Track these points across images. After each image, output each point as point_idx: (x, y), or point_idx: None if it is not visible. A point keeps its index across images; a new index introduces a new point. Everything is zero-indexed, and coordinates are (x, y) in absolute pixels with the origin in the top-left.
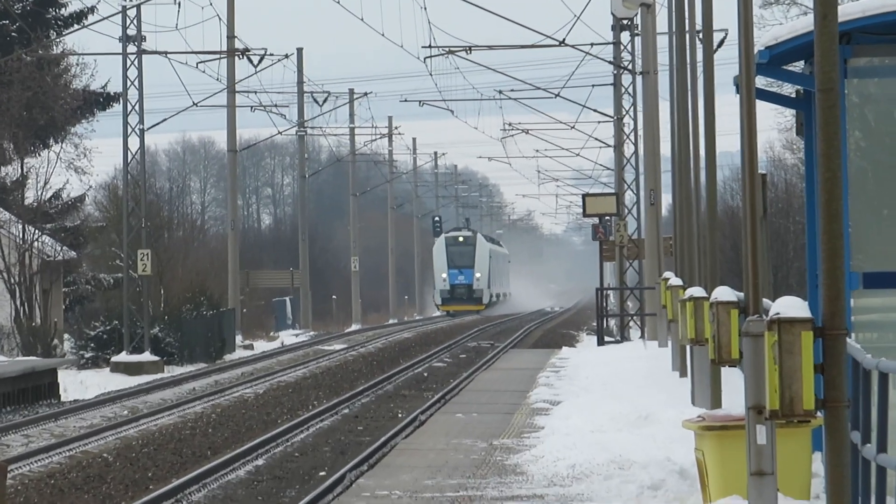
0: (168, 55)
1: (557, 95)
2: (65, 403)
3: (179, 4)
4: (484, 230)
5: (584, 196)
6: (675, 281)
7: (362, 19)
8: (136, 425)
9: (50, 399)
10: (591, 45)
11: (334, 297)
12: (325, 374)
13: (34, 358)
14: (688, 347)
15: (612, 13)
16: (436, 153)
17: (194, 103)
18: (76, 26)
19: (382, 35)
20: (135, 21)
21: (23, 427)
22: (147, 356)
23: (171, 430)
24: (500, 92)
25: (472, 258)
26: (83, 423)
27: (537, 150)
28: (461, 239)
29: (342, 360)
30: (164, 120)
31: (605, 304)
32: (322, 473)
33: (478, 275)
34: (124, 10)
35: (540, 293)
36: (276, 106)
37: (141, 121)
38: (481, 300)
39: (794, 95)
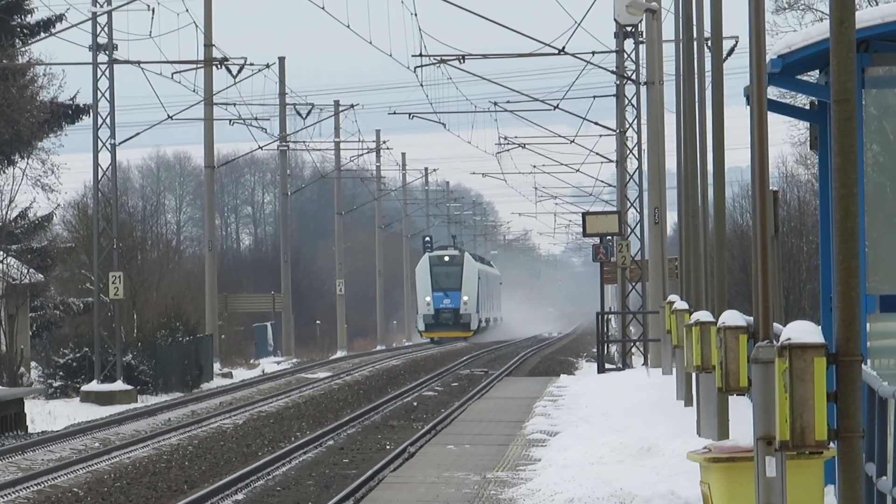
0: (141, 65)
1: (556, 107)
2: (32, 435)
3: (153, 11)
4: (478, 250)
5: (585, 214)
6: (681, 304)
7: (348, 26)
8: (108, 458)
9: (16, 430)
10: (593, 53)
11: (318, 322)
12: (308, 403)
13: (0, 387)
14: (693, 375)
15: (614, 20)
16: (426, 169)
17: (169, 116)
18: (43, 34)
19: (370, 43)
20: (106, 29)
21: None
22: (119, 385)
23: (145, 464)
24: (496, 104)
25: (458, 280)
26: (52, 455)
27: (535, 166)
28: (447, 259)
29: (327, 388)
30: (137, 134)
31: (606, 329)
32: None
33: (465, 298)
34: (94, 17)
35: (537, 317)
36: (256, 119)
37: (112, 135)
38: (469, 326)
39: (808, 107)
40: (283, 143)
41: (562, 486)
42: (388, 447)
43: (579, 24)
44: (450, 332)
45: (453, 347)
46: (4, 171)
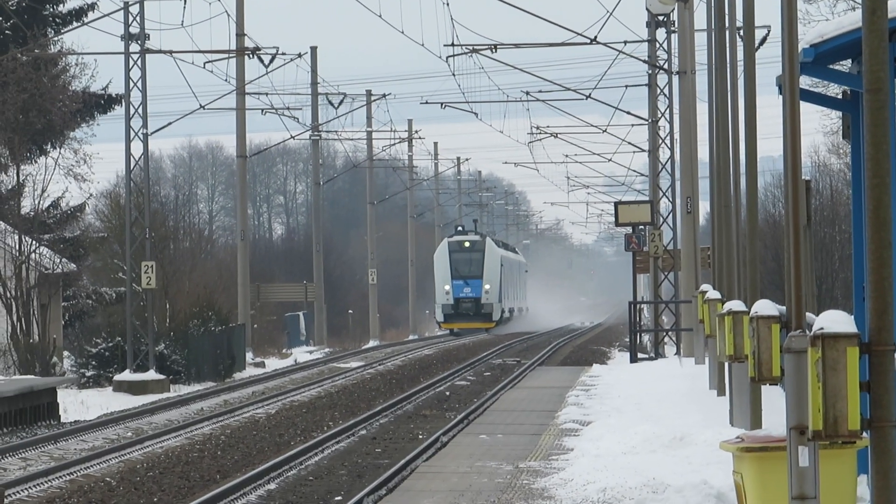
0: (173, 54)
1: (588, 97)
2: (65, 424)
3: (185, 1)
4: (510, 240)
5: (617, 204)
6: (713, 294)
7: (380, 16)
8: (140, 447)
9: (49, 420)
10: (625, 43)
11: (350, 311)
12: (340, 393)
13: (32, 377)
14: (726, 365)
15: (646, 9)
16: (458, 158)
17: (201, 106)
18: (75, 24)
19: (402, 33)
20: (138, 18)
21: (20, 449)
22: (152, 374)
23: (177, 453)
24: (528, 93)
25: (480, 267)
26: (84, 445)
27: (567, 155)
28: (467, 244)
29: (359, 378)
30: (170, 124)
31: (638, 318)
32: (338, 498)
33: (487, 287)
34: (126, 6)
35: (568, 307)
36: (288, 108)
37: (144, 125)
38: (491, 316)
39: (840, 96)
40: (315, 133)
41: (594, 475)
42: (420, 437)
43: (611, 14)
44: (470, 322)
45: (484, 337)
46: (37, 161)
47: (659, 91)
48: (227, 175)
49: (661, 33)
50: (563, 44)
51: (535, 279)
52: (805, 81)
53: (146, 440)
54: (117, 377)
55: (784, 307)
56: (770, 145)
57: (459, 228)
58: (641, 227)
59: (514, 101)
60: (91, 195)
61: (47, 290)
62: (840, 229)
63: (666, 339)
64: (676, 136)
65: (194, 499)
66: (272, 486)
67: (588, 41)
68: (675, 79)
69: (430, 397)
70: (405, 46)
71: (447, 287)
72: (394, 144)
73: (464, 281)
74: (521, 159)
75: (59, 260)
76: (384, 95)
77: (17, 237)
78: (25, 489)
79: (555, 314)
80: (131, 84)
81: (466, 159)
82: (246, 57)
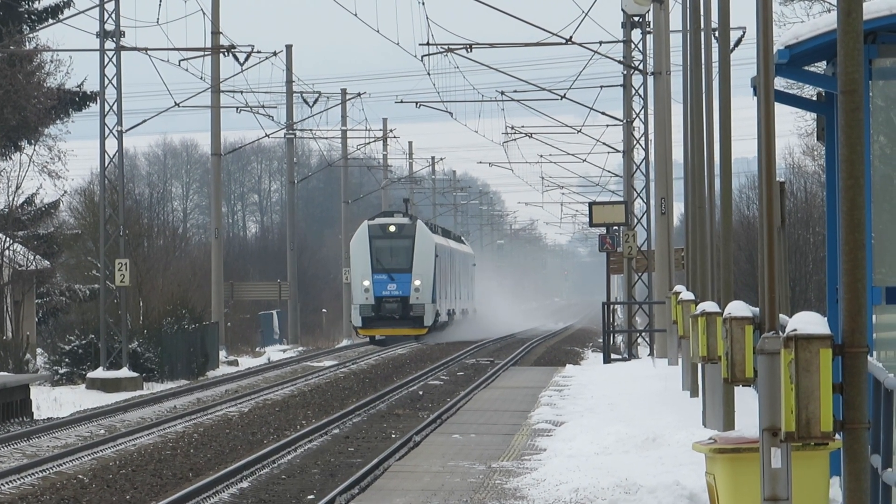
0: (148, 52)
1: (563, 97)
2: (38, 422)
3: None
4: (483, 240)
5: (591, 204)
6: (687, 295)
7: (356, 15)
8: (113, 445)
9: (22, 417)
10: (600, 43)
11: (324, 310)
12: (314, 391)
13: (5, 373)
14: (699, 366)
15: (622, 9)
16: (433, 158)
17: (176, 103)
18: (51, 21)
19: (377, 32)
20: (113, 16)
21: None
22: (125, 372)
23: (150, 451)
24: (503, 93)
25: (408, 257)
26: (57, 442)
27: (541, 156)
28: (392, 229)
29: (332, 377)
30: (144, 121)
31: (612, 319)
32: (310, 497)
33: (417, 283)
34: (102, 3)
35: (536, 308)
36: (263, 107)
37: (119, 122)
38: (422, 320)
39: (815, 98)
40: (290, 132)
41: (567, 475)
42: (393, 436)
43: (587, 14)
44: (396, 328)
45: (459, 337)
46: (11, 158)
47: (634, 92)
48: (202, 173)
49: (636, 34)
50: (538, 44)
51: (505, 278)
52: (780, 83)
53: (119, 438)
54: (90, 374)
55: (758, 308)
56: (745, 147)
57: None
58: (616, 227)
59: (488, 100)
60: (65, 192)
61: (21, 287)
62: (814, 231)
63: (639, 340)
64: (651, 136)
65: (167, 497)
66: (245, 484)
67: (563, 41)
68: (651, 79)
69: (403, 396)
70: (380, 45)
71: (366, 283)
72: (368, 143)
73: (388, 275)
74: (495, 159)
75: (32, 257)
76: (359, 94)
77: None
78: None
79: (518, 316)
80: (106, 81)
81: (441, 159)
82: (221, 55)
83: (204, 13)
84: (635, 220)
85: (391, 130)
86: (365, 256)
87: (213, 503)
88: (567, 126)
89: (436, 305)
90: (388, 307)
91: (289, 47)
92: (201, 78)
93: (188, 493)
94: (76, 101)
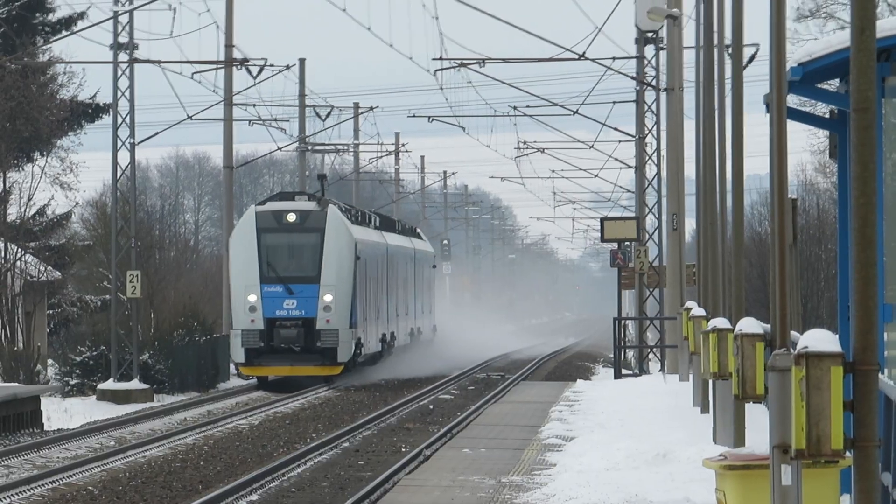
0: (162, 65)
1: (576, 112)
2: (48, 433)
3: (175, 11)
4: (495, 254)
5: (603, 220)
6: (698, 311)
7: (369, 29)
8: (123, 457)
9: (32, 428)
10: (613, 59)
11: None
12: (324, 405)
13: (16, 384)
14: (710, 382)
15: (635, 25)
16: (445, 172)
17: (189, 116)
18: (64, 33)
19: (390, 46)
20: (127, 28)
21: (3, 457)
22: (136, 384)
23: (160, 463)
24: (515, 108)
25: (314, 260)
26: (67, 453)
27: (553, 171)
28: (292, 217)
29: (343, 390)
30: (157, 133)
31: (623, 334)
32: None
33: (327, 297)
34: (116, 16)
35: (545, 324)
36: (275, 120)
37: (132, 134)
38: (334, 354)
39: (827, 115)
40: (303, 145)
41: (577, 491)
42: (403, 450)
43: (600, 30)
44: (295, 365)
45: (470, 350)
46: (23, 169)
47: (646, 107)
48: (214, 185)
49: (649, 50)
50: (551, 59)
51: (517, 292)
52: (792, 100)
53: (129, 449)
54: (101, 386)
55: (769, 325)
56: (757, 163)
57: (445, 243)
58: (627, 243)
59: (501, 115)
60: (77, 203)
61: (32, 298)
62: (826, 248)
63: (650, 356)
64: (663, 152)
65: None
66: (254, 497)
67: (576, 57)
68: (663, 96)
69: (413, 410)
70: (393, 60)
71: (252, 298)
72: (381, 157)
73: (283, 287)
74: (507, 174)
75: (44, 268)
76: (371, 108)
77: (2, 244)
78: (8, 497)
79: (514, 335)
80: (119, 94)
81: (453, 173)
82: (234, 68)
83: (217, 26)
84: (647, 236)
85: (403, 144)
86: (251, 259)
87: None
88: (579, 141)
89: (356, 331)
90: (285, 334)
91: (302, 61)
92: (214, 91)
93: None
94: (89, 112)
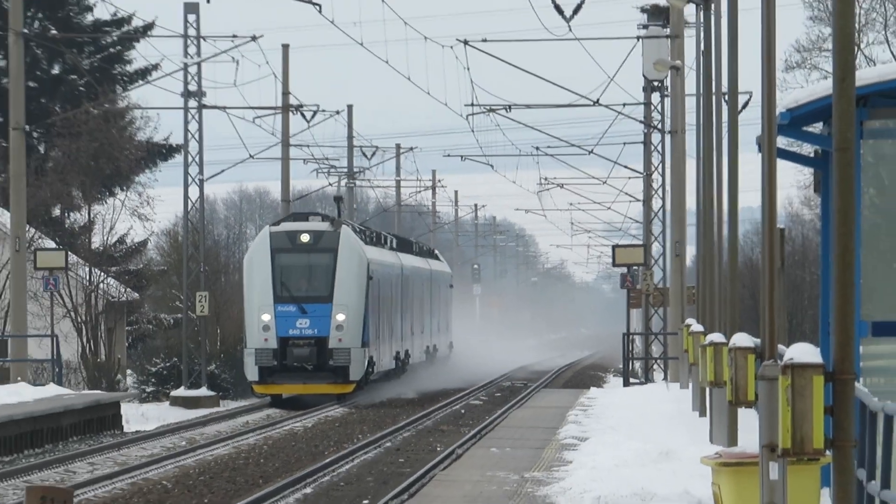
0: (226, 110)
1: (591, 152)
2: (127, 434)
3: (237, 63)
4: (519, 277)
5: (614, 247)
6: (697, 327)
7: (409, 78)
8: (193, 455)
9: (113, 430)
10: (623, 105)
11: None
12: (369, 409)
13: (99, 392)
14: (707, 389)
15: (643, 75)
16: (476, 205)
17: (251, 156)
18: (140, 82)
19: (428, 94)
20: (195, 78)
21: (88, 455)
22: (204, 391)
23: (225, 460)
24: (538, 148)
25: (327, 280)
26: (144, 452)
27: (571, 204)
28: (305, 238)
29: (386, 397)
30: (223, 171)
31: (631, 348)
32: (365, 502)
33: (340, 317)
34: (185, 67)
35: (562, 339)
36: (326, 159)
37: (201, 171)
38: (346, 372)
39: (812, 155)
40: (350, 181)
41: (590, 485)
42: (438, 449)
43: (612, 80)
44: (308, 383)
45: (494, 363)
46: (106, 202)
47: (653, 148)
48: (273, 216)
49: (655, 97)
50: (569, 105)
51: (538, 310)
52: (781, 141)
53: (198, 448)
54: (174, 393)
55: (759, 339)
56: (750, 197)
57: (475, 267)
58: (635, 267)
59: (525, 154)
60: (153, 233)
61: (113, 316)
62: (809, 272)
63: (655, 367)
64: (667, 187)
65: (241, 500)
66: (308, 490)
67: (591, 103)
68: (668, 137)
69: (447, 414)
70: (430, 105)
71: (266, 318)
72: (419, 192)
73: (297, 307)
74: (531, 206)
75: (123, 289)
76: (411, 148)
77: (87, 269)
78: (92, 490)
79: (532, 349)
80: (189, 136)
81: (483, 206)
82: (290, 113)
83: (275, 76)
84: (653, 261)
85: (439, 180)
86: (265, 279)
87: None
88: (594, 178)
89: (368, 350)
90: (297, 353)
91: (350, 107)
92: (272, 133)
93: (259, 498)
94: (163, 152)
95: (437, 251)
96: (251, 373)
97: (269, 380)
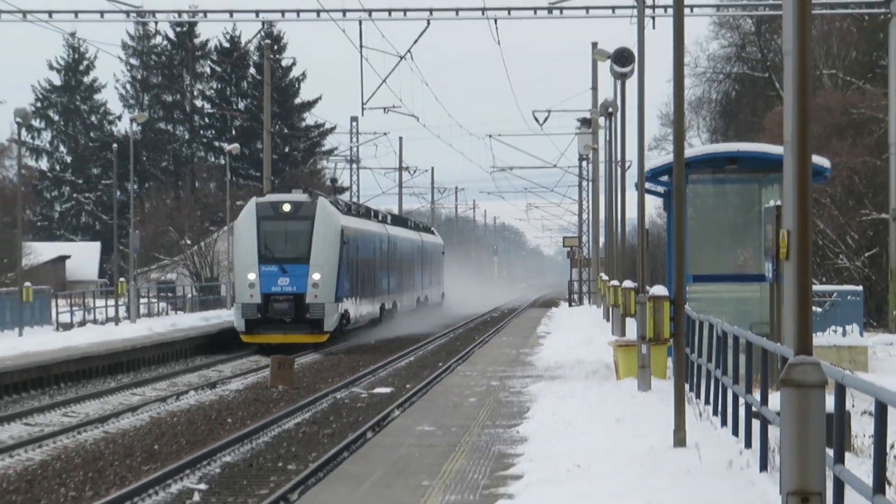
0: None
1: (552, 190)
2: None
3: (376, 146)
4: (511, 255)
5: (564, 238)
6: (605, 277)
7: (451, 145)
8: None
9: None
10: (568, 167)
11: None
12: (392, 340)
13: None
14: (610, 308)
15: (578, 152)
16: (495, 218)
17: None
18: (328, 157)
19: (461, 154)
20: (356, 152)
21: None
22: None
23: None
24: (525, 189)
25: (305, 244)
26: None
27: (544, 216)
28: (287, 208)
29: (398, 333)
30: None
31: (572, 287)
32: (440, 364)
33: (315, 276)
34: (350, 149)
35: (533, 286)
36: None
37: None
38: (321, 324)
39: (662, 192)
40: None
41: (553, 356)
42: (476, 338)
43: (563, 154)
44: (287, 333)
45: (485, 302)
46: None
47: (583, 187)
48: None
49: (584, 164)
50: (541, 167)
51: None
52: (648, 185)
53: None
54: None
55: (637, 283)
56: (633, 213)
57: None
58: (576, 247)
59: (521, 191)
60: None
61: None
62: (661, 250)
63: (584, 297)
64: (590, 208)
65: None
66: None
67: (552, 165)
68: (590, 184)
69: (480, 321)
70: (464, 166)
71: (251, 276)
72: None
73: (279, 267)
74: (525, 217)
75: None
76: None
77: None
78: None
79: (505, 293)
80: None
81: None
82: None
83: (395, 153)
84: (583, 244)
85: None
86: (251, 242)
87: (373, 380)
88: (559, 205)
89: (339, 304)
90: (278, 307)
91: (432, 168)
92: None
93: (375, 370)
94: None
95: (433, 228)
96: (239, 324)
97: (254, 330)
